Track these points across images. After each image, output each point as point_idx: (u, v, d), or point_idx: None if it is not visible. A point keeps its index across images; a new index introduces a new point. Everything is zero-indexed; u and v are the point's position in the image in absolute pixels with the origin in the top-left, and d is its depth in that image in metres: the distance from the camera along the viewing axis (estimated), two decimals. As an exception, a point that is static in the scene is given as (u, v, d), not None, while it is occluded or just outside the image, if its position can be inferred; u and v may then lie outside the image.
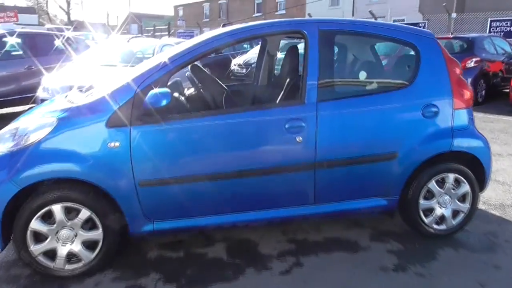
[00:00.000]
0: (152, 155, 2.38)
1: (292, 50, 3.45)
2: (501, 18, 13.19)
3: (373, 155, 2.66)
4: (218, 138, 2.46)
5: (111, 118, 2.31)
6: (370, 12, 13.70)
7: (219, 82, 2.94)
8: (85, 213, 2.34)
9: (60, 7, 42.20)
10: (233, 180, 2.50)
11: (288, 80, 3.18)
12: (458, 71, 2.88)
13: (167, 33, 21.66)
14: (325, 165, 2.59)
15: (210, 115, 2.50)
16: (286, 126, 2.51)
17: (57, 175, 2.27)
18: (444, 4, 13.67)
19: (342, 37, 2.80)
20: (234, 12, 33.70)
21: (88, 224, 2.38)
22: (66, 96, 2.72)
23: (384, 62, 3.81)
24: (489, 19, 13.53)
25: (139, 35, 21.41)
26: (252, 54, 13.04)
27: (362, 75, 2.85)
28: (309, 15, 16.03)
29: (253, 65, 13.15)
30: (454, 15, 13.85)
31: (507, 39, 11.00)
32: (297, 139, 2.52)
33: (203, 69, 3.03)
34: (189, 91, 3.46)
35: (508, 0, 15.66)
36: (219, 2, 36.24)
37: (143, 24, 33.91)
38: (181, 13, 41.82)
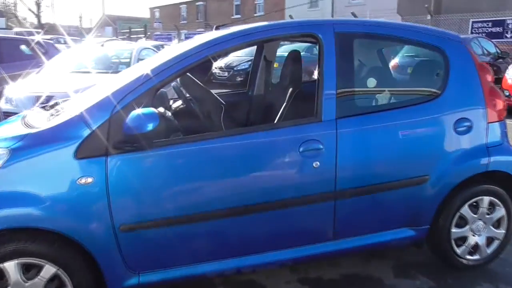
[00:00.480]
0: (137, 192, 1.89)
1: (293, 55, 3.00)
2: (482, 19, 13.15)
3: (401, 180, 2.25)
4: (220, 166, 1.99)
5: (81, 146, 1.81)
6: (352, 13, 13.42)
7: (215, 95, 2.46)
8: (49, 270, 1.81)
9: (30, 9, 40.44)
10: (238, 217, 2.03)
11: (290, 89, 2.74)
12: (490, 78, 2.50)
13: (143, 35, 20.92)
14: (347, 194, 2.16)
15: (208, 139, 2.01)
16: (301, 149, 2.06)
17: (11, 224, 1.74)
18: (426, 5, 13.53)
19: (362, 41, 2.37)
20: (212, 14, 33.13)
21: (54, 283, 1.85)
22: (23, 118, 2.19)
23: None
24: (470, 20, 13.47)
25: (114, 38, 20.64)
26: (234, 56, 12.62)
27: (387, 85, 2.42)
28: (290, 16, 15.68)
29: (235, 68, 12.81)
30: (429, 16, 13.76)
31: (492, 40, 10.92)
32: (314, 165, 2.07)
33: (195, 79, 2.55)
34: (176, 104, 2.96)
35: (483, 1, 15.76)
36: (197, 3, 35.55)
37: (118, 26, 32.95)
38: (157, 15, 40.92)
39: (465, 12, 14.96)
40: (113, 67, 6.71)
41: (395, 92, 2.43)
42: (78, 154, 1.80)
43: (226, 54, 2.16)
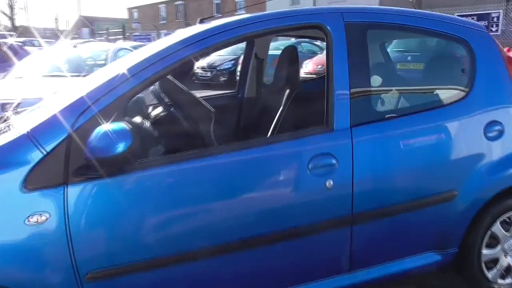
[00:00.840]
0: (107, 229, 1.49)
1: (289, 52, 2.63)
2: (467, 13, 13.05)
3: (426, 197, 1.90)
4: (212, 191, 1.60)
5: (31, 174, 1.39)
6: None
7: (203, 102, 2.06)
8: (-8, 338, 1.40)
9: (3, 12, 38.93)
10: (237, 253, 1.64)
11: (288, 91, 2.37)
12: (519, 73, 2.17)
13: (121, 36, 20.26)
14: (366, 218, 1.80)
15: (197, 157, 1.61)
16: (310, 166, 1.69)
17: None
18: (411, 0, 13.39)
19: (376, 32, 2.01)
20: (192, 14, 32.55)
21: None
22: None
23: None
24: (455, 14, 13.37)
25: (91, 39, 19.93)
26: (216, 56, 12.17)
27: (405, 84, 2.06)
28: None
29: (218, 68, 12.39)
30: (411, 12, 13.62)
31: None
32: (327, 184, 1.70)
33: (177, 83, 2.15)
34: (156, 111, 2.54)
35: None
36: (176, 3, 34.90)
37: (95, 27, 32.09)
38: (135, 15, 40.08)
39: (445, 6, 14.89)
40: (87, 69, 6.23)
41: (417, 92, 2.07)
42: (28, 185, 1.39)
43: (215, 50, 1.76)
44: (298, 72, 2.54)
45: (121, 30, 21.86)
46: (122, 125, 1.41)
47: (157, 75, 1.63)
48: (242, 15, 1.89)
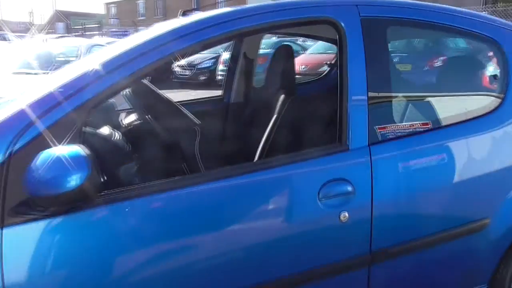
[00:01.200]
0: (57, 283, 1.11)
1: (283, 51, 2.30)
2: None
3: (454, 228, 1.59)
4: (195, 229, 1.25)
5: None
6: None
7: (186, 112, 1.69)
8: None
9: (-28, 4, 37.37)
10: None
11: (282, 97, 2.04)
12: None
13: (98, 32, 19.57)
14: (387, 256, 1.47)
15: (180, 187, 1.25)
16: (321, 195, 1.35)
17: None
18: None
19: (396, 30, 1.69)
20: (171, 10, 31.87)
21: None
22: None
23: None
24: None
25: (66, 34, 19.19)
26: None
27: (428, 91, 1.75)
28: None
29: (198, 66, 11.98)
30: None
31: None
32: (341, 217, 1.37)
33: (154, 88, 1.77)
34: (129, 118, 2.15)
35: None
36: (155, -1, 34.25)
37: (71, 22, 31.07)
38: (113, 11, 39.12)
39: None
40: (57, 66, 5.78)
41: (447, 100, 1.76)
42: None
43: (207, 47, 1.42)
44: (294, 75, 2.20)
45: (97, 25, 21.15)
46: (76, 149, 1.03)
47: (140, 72, 1.28)
48: (236, 7, 1.54)
